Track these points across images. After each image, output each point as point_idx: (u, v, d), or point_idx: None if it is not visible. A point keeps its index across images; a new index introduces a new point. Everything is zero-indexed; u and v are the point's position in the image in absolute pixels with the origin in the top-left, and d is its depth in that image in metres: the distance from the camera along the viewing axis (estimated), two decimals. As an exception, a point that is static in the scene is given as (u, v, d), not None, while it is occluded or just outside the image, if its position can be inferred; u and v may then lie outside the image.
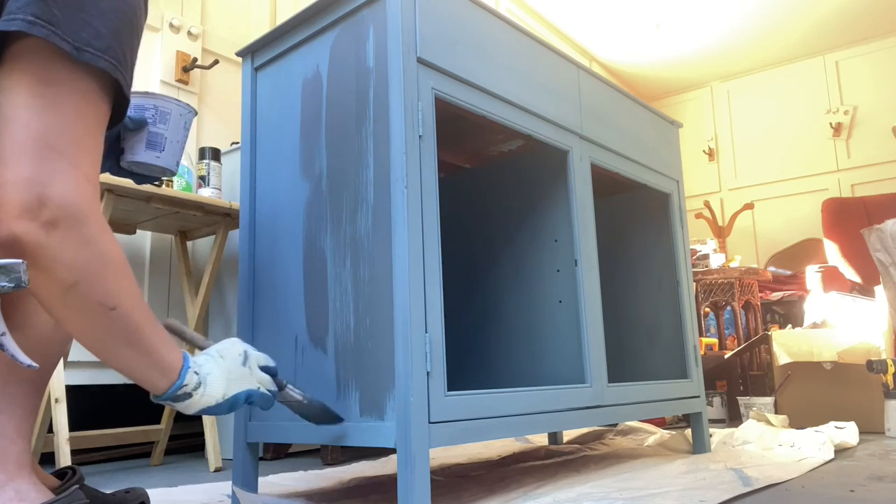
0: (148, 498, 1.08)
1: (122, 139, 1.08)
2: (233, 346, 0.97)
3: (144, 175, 1.12)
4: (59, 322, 0.79)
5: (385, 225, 1.14)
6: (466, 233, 1.81)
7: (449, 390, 1.60)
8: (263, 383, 0.99)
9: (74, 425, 2.04)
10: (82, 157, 0.76)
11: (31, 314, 0.93)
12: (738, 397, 2.65)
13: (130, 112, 1.08)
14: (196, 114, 1.17)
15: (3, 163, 0.72)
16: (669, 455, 1.83)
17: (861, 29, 4.63)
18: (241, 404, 0.95)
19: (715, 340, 3.47)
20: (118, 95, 0.84)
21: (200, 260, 2.38)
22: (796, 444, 1.86)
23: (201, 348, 0.99)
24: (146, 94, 1.09)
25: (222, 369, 0.93)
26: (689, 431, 1.99)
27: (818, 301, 2.91)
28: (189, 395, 0.87)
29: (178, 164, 1.13)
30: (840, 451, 1.84)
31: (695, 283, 3.36)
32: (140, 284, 2.31)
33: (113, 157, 1.10)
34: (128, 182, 1.76)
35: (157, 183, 1.92)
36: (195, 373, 0.88)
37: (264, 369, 1.01)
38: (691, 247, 3.69)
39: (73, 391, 2.04)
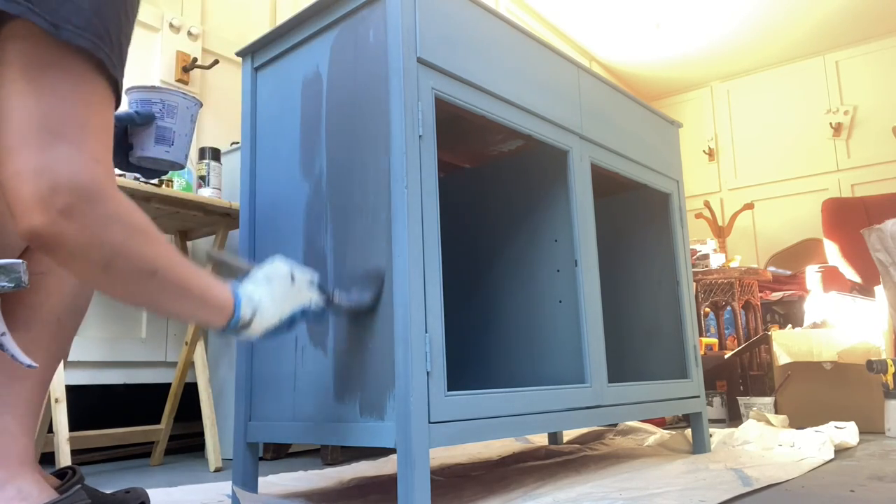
0: (148, 498, 1.08)
1: (130, 135, 1.08)
2: (279, 268, 1.01)
3: (153, 170, 1.12)
4: (109, 295, 0.81)
5: (385, 225, 1.14)
6: (466, 233, 1.81)
7: (449, 390, 1.60)
8: (313, 298, 1.04)
9: (74, 425, 2.04)
10: (87, 139, 0.74)
11: (32, 314, 0.93)
12: (738, 397, 2.65)
13: (137, 107, 1.07)
14: (202, 105, 1.17)
15: (8, 155, 0.70)
16: (669, 455, 1.83)
17: (861, 29, 4.63)
18: (298, 322, 1.02)
19: (715, 340, 3.47)
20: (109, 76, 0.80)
21: (200, 260, 2.38)
22: (796, 444, 1.86)
23: (246, 272, 1.02)
24: (152, 88, 1.09)
25: (273, 293, 0.98)
26: (689, 431, 1.99)
27: (818, 301, 2.91)
28: (248, 325, 0.93)
29: (186, 157, 1.12)
30: (840, 451, 1.84)
31: (695, 283, 3.36)
32: (140, 284, 2.31)
33: (122, 154, 1.09)
34: (127, 182, 1.76)
35: (156, 182, 1.92)
36: (248, 303, 0.93)
37: (312, 284, 1.05)
38: (691, 247, 3.69)
39: (73, 391, 2.04)
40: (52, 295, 0.95)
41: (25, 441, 0.89)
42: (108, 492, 1.04)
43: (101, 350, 2.14)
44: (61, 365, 1.68)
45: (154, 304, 0.84)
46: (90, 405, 2.21)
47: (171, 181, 2.01)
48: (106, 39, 0.77)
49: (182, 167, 1.13)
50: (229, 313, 0.91)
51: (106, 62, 0.77)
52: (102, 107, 0.77)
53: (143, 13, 2.43)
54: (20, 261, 0.72)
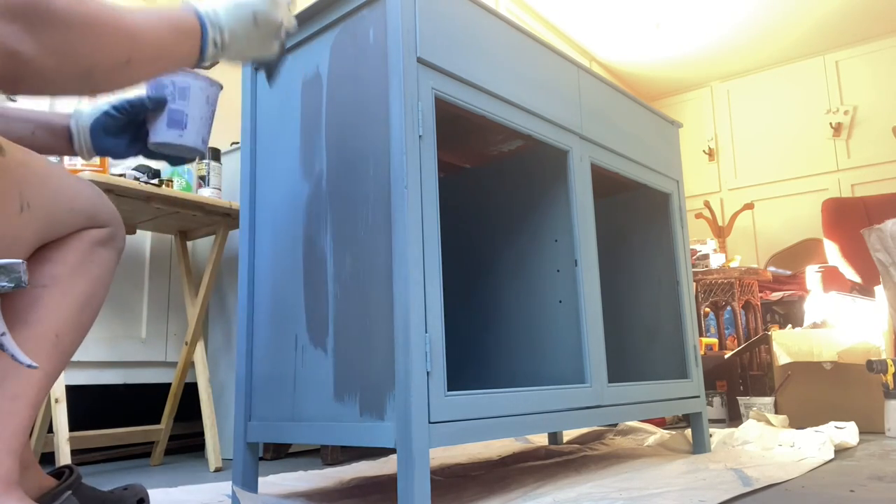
0: (147, 495, 1.08)
1: (147, 120, 1.05)
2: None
3: (175, 157, 1.08)
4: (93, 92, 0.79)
5: (385, 225, 1.14)
6: (466, 233, 1.81)
7: (449, 390, 1.60)
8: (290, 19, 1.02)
9: (74, 425, 2.04)
10: None
11: (28, 330, 0.91)
12: (738, 397, 2.65)
13: (149, 91, 1.04)
14: (221, 87, 1.11)
15: None
16: (669, 455, 1.83)
17: (861, 29, 4.63)
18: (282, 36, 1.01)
19: (715, 340, 3.47)
20: None
21: (200, 260, 2.38)
22: (796, 444, 1.86)
23: None
24: None
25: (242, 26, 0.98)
26: (689, 431, 1.99)
27: (818, 301, 2.91)
28: (223, 48, 0.96)
29: (205, 142, 1.07)
30: (840, 451, 1.84)
31: (695, 283, 3.36)
32: (140, 284, 2.31)
33: (142, 141, 1.07)
34: (127, 182, 1.75)
35: (156, 182, 1.92)
36: (215, 27, 0.94)
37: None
38: (691, 247, 3.69)
39: (73, 391, 2.04)
40: (52, 311, 0.91)
41: (9, 463, 0.86)
42: (106, 490, 1.04)
43: (101, 350, 2.14)
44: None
45: (135, 82, 0.83)
46: (90, 405, 2.21)
47: (171, 181, 2.01)
48: None
49: (202, 153, 1.08)
50: (198, 45, 0.92)
51: None
52: None
53: (143, 13, 2.43)
54: (20, 261, 0.72)
